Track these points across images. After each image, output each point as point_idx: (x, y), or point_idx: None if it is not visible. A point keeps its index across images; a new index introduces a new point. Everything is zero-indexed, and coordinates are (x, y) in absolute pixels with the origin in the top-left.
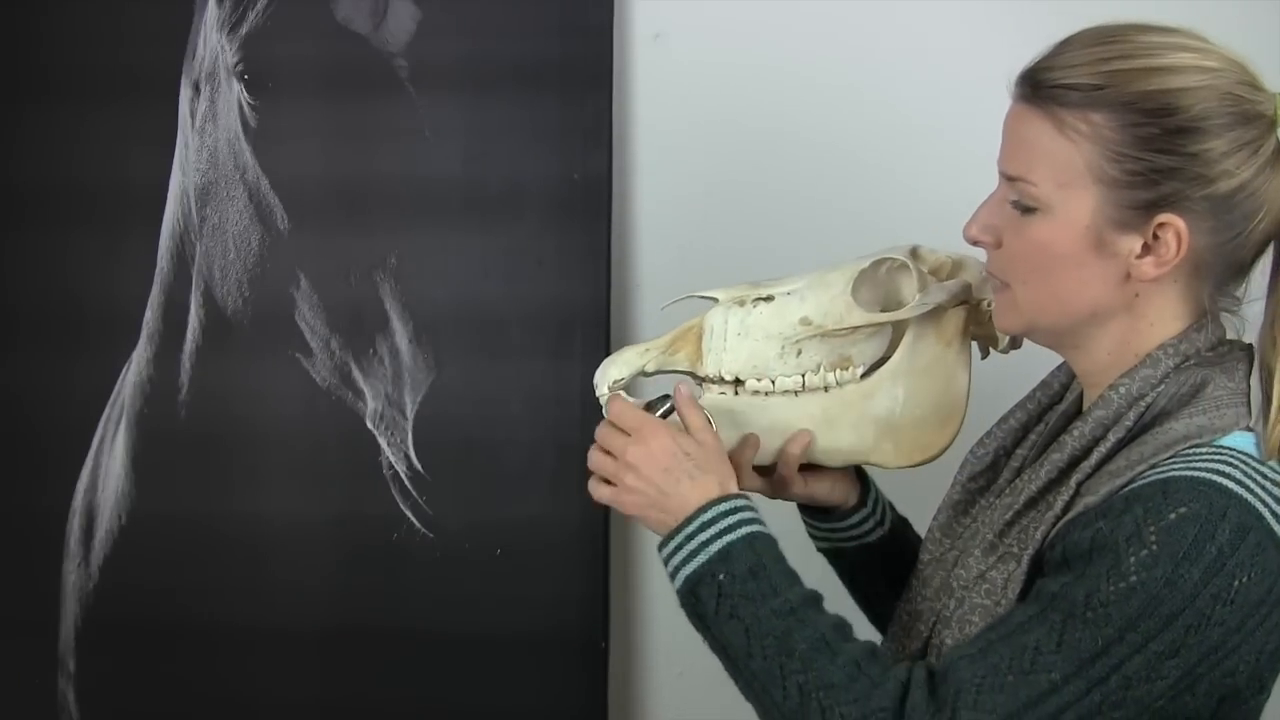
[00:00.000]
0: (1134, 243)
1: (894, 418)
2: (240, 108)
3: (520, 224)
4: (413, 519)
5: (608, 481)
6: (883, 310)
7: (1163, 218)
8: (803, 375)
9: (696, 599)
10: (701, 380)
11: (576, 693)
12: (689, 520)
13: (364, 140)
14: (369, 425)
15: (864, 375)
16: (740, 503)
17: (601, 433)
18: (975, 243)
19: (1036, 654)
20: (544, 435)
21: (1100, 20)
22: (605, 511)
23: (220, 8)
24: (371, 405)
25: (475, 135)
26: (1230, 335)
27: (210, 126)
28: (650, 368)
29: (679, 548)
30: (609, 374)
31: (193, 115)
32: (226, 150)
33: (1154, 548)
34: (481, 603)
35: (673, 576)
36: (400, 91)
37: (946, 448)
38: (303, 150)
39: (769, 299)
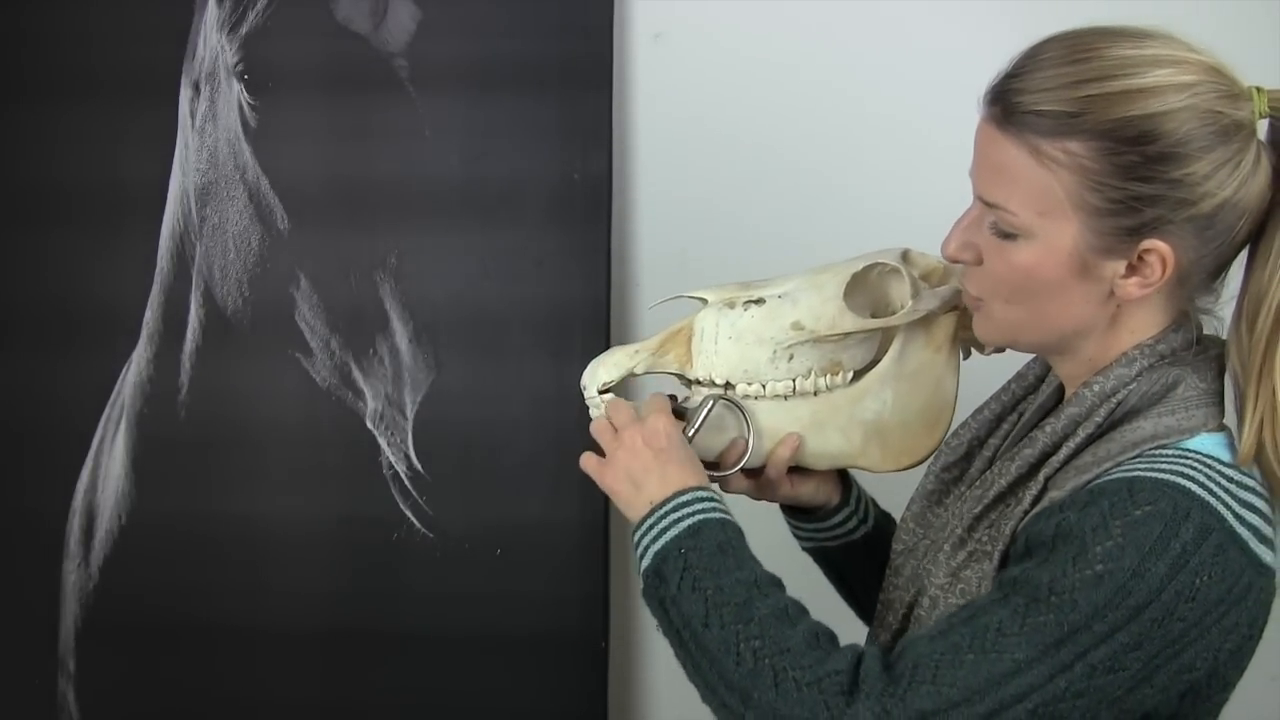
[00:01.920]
0: (1118, 266)
1: (882, 422)
2: (240, 108)
3: (520, 224)
4: (413, 519)
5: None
6: (873, 314)
7: (1147, 243)
8: (793, 380)
9: (660, 579)
10: (691, 383)
11: (576, 693)
12: (665, 501)
13: (364, 140)
14: (369, 425)
15: (853, 379)
16: (715, 494)
17: (612, 406)
18: (954, 260)
19: (999, 635)
20: (544, 435)
21: (1098, 19)
22: (605, 511)
23: (220, 8)
24: (371, 405)
25: (475, 135)
26: (1207, 331)
27: (210, 126)
28: (639, 370)
29: (651, 527)
30: (598, 375)
31: (193, 115)
32: (226, 150)
33: (1119, 539)
34: (481, 603)
35: (641, 557)
36: (400, 91)
37: (934, 452)
38: (303, 150)
39: (760, 302)
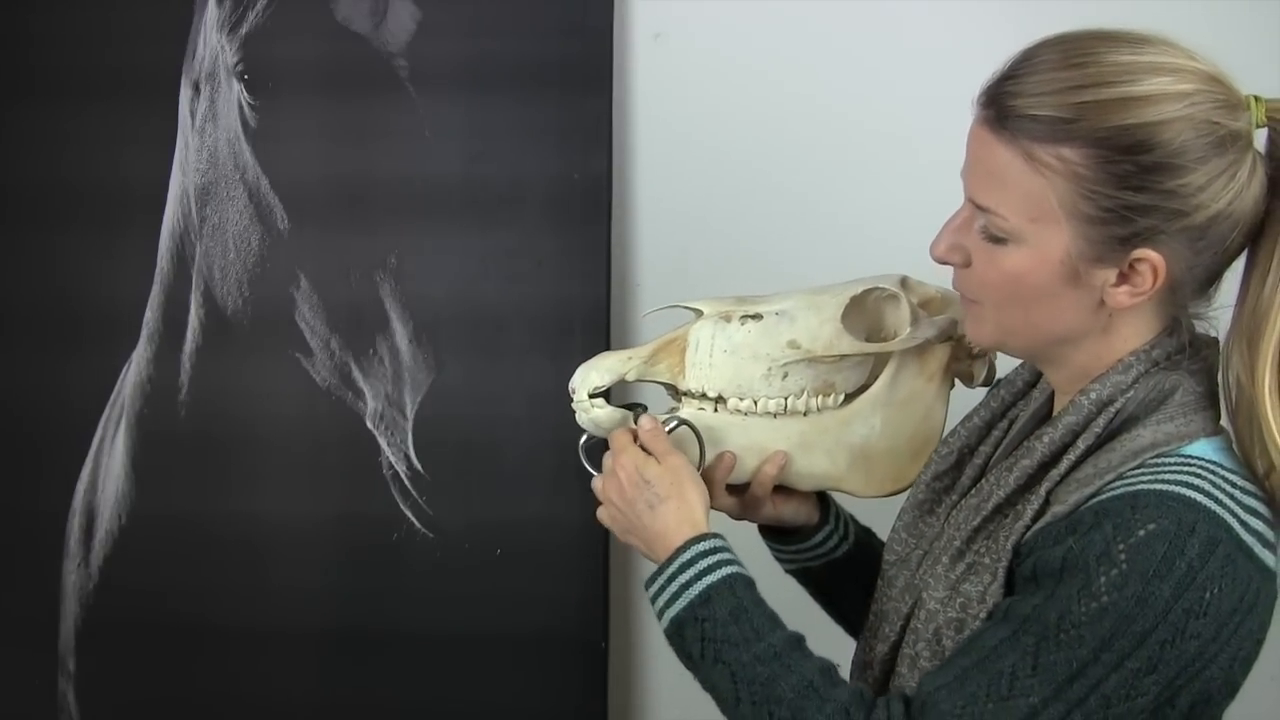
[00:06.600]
0: (1109, 274)
1: (868, 447)
2: (240, 108)
3: (520, 224)
4: (413, 519)
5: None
6: (868, 338)
7: (1138, 253)
8: (785, 399)
9: (683, 639)
10: (682, 394)
11: (576, 693)
12: (669, 561)
13: (364, 140)
14: (369, 425)
15: (844, 402)
16: (717, 543)
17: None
18: (943, 262)
19: (1013, 679)
20: (544, 435)
21: (1096, 22)
22: None
23: (220, 8)
24: (371, 405)
25: (475, 135)
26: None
27: (210, 126)
28: (631, 376)
29: (661, 589)
30: (589, 380)
31: (193, 115)
32: (226, 150)
33: (1123, 566)
34: (481, 603)
35: (659, 617)
36: (400, 91)
37: (916, 480)
38: (303, 150)
39: (757, 317)
